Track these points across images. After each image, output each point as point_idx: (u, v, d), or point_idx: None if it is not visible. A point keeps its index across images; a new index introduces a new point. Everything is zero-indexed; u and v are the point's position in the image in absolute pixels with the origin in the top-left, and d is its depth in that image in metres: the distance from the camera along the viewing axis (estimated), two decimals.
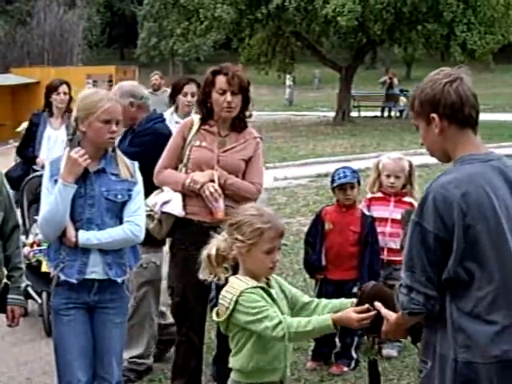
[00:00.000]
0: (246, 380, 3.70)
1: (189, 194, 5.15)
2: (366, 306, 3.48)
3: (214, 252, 3.70)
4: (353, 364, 6.15)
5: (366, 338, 4.03)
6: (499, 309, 3.06)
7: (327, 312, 3.66)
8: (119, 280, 4.49)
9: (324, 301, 3.81)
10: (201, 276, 3.78)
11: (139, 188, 4.56)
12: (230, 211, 5.05)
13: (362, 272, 6.00)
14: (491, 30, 27.50)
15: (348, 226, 6.09)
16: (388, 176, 6.34)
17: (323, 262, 6.11)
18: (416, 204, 6.30)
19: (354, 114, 31.48)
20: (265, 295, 3.61)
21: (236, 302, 3.57)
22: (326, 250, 6.10)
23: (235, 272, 3.74)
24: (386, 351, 6.35)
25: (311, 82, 51.70)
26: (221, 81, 5.11)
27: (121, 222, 4.48)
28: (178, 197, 5.17)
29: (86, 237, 4.38)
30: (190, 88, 7.31)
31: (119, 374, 4.69)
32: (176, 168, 5.27)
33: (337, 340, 6.17)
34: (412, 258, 3.12)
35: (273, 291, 3.70)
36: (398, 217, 6.25)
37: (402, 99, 32.14)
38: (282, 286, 3.83)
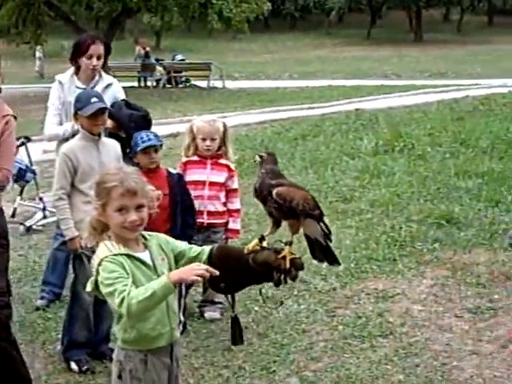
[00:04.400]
0: (131, 347, 3.52)
1: None
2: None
3: (95, 217, 3.50)
4: (181, 328, 6.10)
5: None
6: None
7: None
8: None
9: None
10: (88, 244, 3.53)
11: None
12: None
13: (173, 233, 5.63)
14: None
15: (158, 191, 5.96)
16: (203, 139, 6.25)
17: None
18: (232, 166, 6.40)
19: None
20: (127, 263, 3.38)
21: (97, 271, 3.36)
22: None
23: None
24: (207, 314, 6.39)
25: (60, 53, 50.43)
26: None
27: None
28: None
29: None
30: (96, 49, 6.37)
31: None
32: None
33: None
34: None
35: (143, 255, 3.50)
36: (216, 179, 6.28)
37: (159, 69, 32.18)
38: (164, 244, 3.63)
